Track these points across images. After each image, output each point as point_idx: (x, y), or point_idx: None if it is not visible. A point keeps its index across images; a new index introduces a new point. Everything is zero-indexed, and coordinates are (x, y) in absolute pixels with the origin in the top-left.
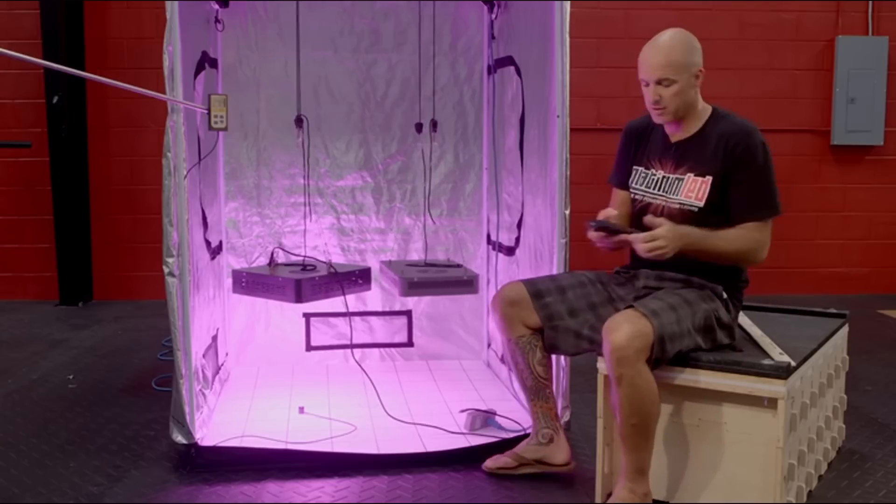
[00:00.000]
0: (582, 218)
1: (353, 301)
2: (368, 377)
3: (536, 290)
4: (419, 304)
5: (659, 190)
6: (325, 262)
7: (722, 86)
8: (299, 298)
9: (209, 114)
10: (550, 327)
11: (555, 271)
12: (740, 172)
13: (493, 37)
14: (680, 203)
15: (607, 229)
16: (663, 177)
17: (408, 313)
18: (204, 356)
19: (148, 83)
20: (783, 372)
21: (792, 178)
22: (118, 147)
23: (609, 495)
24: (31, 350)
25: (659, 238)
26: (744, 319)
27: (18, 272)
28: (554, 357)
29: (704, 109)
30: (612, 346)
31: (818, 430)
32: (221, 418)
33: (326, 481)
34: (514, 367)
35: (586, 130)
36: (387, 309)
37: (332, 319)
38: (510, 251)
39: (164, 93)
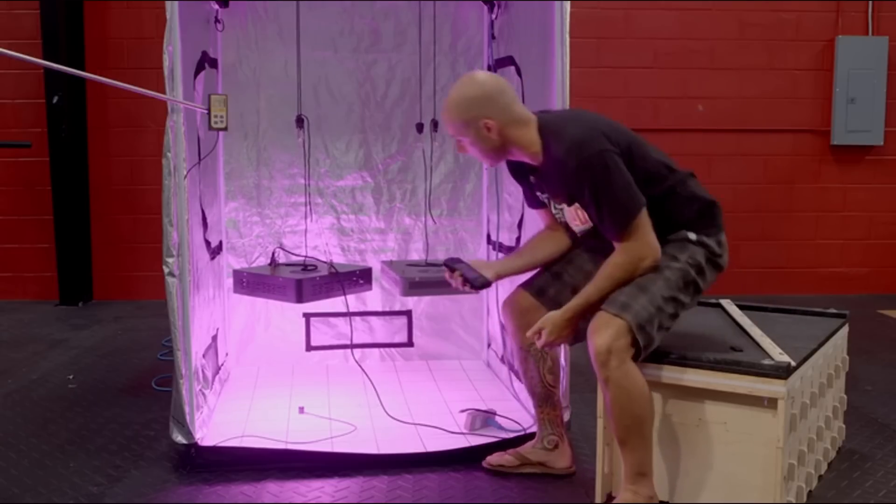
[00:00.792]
0: None
1: (353, 301)
2: (368, 377)
3: (538, 288)
4: (419, 304)
5: (561, 214)
6: (325, 262)
7: (722, 86)
8: (300, 298)
9: (209, 114)
10: None
11: None
12: (584, 191)
13: (493, 37)
14: (578, 230)
15: (452, 269)
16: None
17: (408, 313)
18: (204, 356)
19: (148, 83)
20: (783, 372)
21: (792, 178)
22: (118, 147)
23: (609, 495)
24: (31, 350)
25: (545, 327)
26: (744, 320)
27: (18, 272)
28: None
29: (533, 133)
30: (594, 350)
31: (818, 430)
32: (221, 418)
33: (326, 481)
34: (525, 374)
35: None
36: (387, 309)
37: (332, 319)
38: (510, 251)
39: (164, 93)
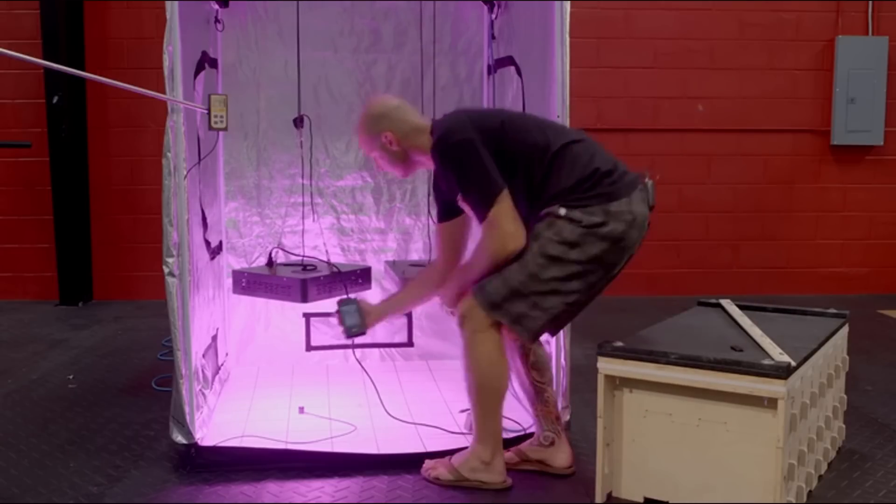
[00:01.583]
0: None
1: None
2: (369, 376)
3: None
4: None
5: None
6: (325, 262)
7: (722, 86)
8: (305, 298)
9: (209, 114)
10: None
11: None
12: (452, 180)
13: (493, 37)
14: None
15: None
16: None
17: (408, 313)
18: (204, 356)
19: (148, 83)
20: (783, 372)
21: (792, 178)
22: (118, 147)
23: (609, 495)
24: (31, 350)
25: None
26: (744, 320)
27: (18, 272)
28: (553, 357)
29: (428, 138)
30: (457, 322)
31: (818, 430)
32: (221, 418)
33: (326, 481)
34: (513, 371)
35: (586, 130)
36: None
37: (332, 319)
38: None
39: (164, 93)
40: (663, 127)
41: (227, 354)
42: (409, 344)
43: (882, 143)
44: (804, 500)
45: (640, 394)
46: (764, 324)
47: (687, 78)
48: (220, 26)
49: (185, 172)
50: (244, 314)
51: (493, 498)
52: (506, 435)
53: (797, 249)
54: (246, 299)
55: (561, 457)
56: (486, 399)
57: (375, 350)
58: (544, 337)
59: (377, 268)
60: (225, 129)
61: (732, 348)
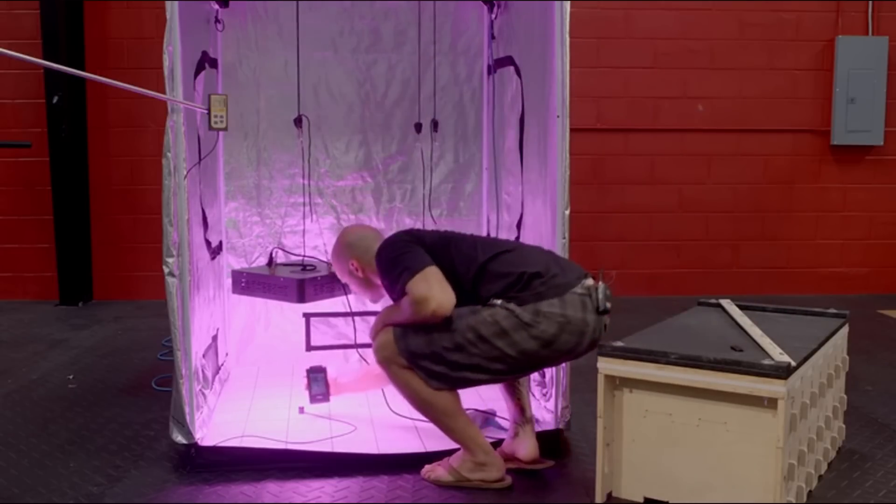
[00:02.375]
0: (582, 218)
1: (353, 301)
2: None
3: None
4: None
5: None
6: (324, 262)
7: (722, 86)
8: (302, 298)
9: (209, 114)
10: None
11: None
12: (385, 279)
13: (493, 37)
14: None
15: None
16: None
17: None
18: (204, 356)
19: (148, 83)
20: (783, 372)
21: (792, 178)
22: (118, 147)
23: (609, 495)
24: (31, 350)
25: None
26: (744, 320)
27: (18, 272)
28: None
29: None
30: (373, 349)
31: (818, 430)
32: (221, 418)
33: (326, 481)
34: None
35: (586, 130)
36: None
37: (332, 319)
38: None
39: (164, 93)
40: (663, 127)
41: (227, 354)
42: None
43: (882, 143)
44: (804, 500)
45: (640, 394)
46: (764, 324)
47: (687, 78)
48: (220, 26)
49: (185, 172)
50: (244, 314)
51: (492, 498)
52: (505, 435)
53: (797, 249)
54: (246, 299)
55: (524, 447)
56: (439, 416)
57: None
58: None
59: None
60: (225, 129)
61: (732, 348)
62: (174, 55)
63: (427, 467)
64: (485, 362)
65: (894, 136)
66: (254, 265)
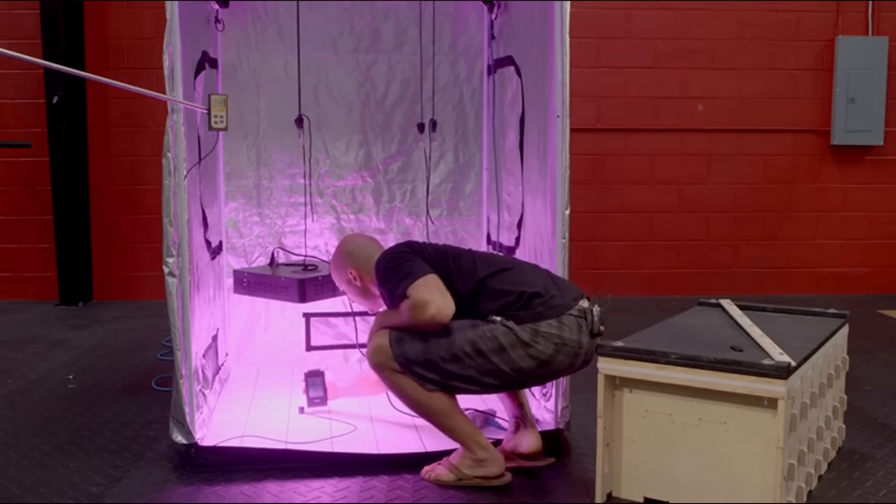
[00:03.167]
0: (582, 218)
1: None
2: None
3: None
4: None
5: None
6: (326, 262)
7: (722, 86)
8: (303, 298)
9: (209, 114)
10: None
11: (555, 271)
12: (384, 286)
13: (493, 37)
14: None
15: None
16: None
17: None
18: (204, 356)
19: (148, 83)
20: (783, 372)
21: (792, 178)
22: (118, 147)
23: (609, 495)
24: (31, 350)
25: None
26: (744, 320)
27: (18, 272)
28: None
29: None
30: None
31: (818, 430)
32: (221, 418)
33: (326, 481)
34: None
35: (586, 130)
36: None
37: (332, 319)
38: (510, 251)
39: (164, 93)
40: (663, 127)
41: (227, 354)
42: None
43: (882, 143)
44: (804, 500)
45: (640, 394)
46: (764, 324)
47: (687, 78)
48: (220, 26)
49: (185, 172)
50: (244, 314)
51: (493, 497)
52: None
53: (797, 249)
54: (246, 299)
55: (526, 441)
56: (436, 417)
57: None
58: None
59: None
60: (225, 129)
61: (732, 348)
62: (174, 55)
63: (427, 467)
64: (478, 375)
65: (894, 136)
66: (254, 265)
